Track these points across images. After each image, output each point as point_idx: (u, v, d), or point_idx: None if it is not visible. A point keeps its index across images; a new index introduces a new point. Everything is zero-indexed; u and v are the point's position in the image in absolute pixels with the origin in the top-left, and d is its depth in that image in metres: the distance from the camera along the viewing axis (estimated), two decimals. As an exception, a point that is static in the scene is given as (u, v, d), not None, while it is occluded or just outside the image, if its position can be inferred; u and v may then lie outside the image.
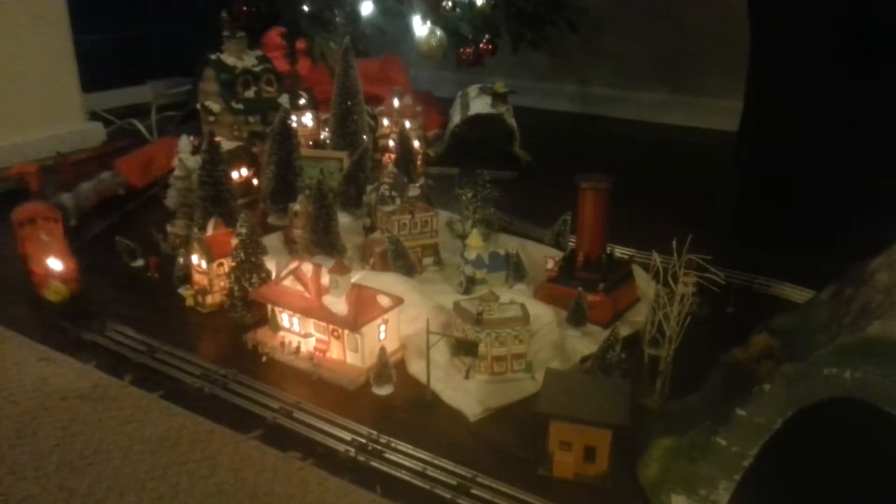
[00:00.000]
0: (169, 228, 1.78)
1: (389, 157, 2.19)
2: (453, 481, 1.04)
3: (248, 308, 1.45)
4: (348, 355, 1.29)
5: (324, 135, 2.30)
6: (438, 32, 2.28)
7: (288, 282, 1.35)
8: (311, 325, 1.32)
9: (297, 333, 1.33)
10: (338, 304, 1.28)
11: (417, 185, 1.72)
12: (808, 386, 0.90)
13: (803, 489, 0.99)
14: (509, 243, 1.66)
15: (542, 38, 2.52)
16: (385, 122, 2.40)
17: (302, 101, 2.29)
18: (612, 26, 3.04)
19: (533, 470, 1.07)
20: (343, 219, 1.76)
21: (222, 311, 1.49)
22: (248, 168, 2.02)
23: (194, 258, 1.52)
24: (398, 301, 1.32)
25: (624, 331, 1.33)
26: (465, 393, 1.24)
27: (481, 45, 2.36)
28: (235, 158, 1.97)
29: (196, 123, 2.19)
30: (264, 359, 1.35)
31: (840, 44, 1.67)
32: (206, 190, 1.63)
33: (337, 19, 2.39)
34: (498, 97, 2.40)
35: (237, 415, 1.19)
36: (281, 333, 1.35)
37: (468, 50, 2.42)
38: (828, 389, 0.88)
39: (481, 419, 1.20)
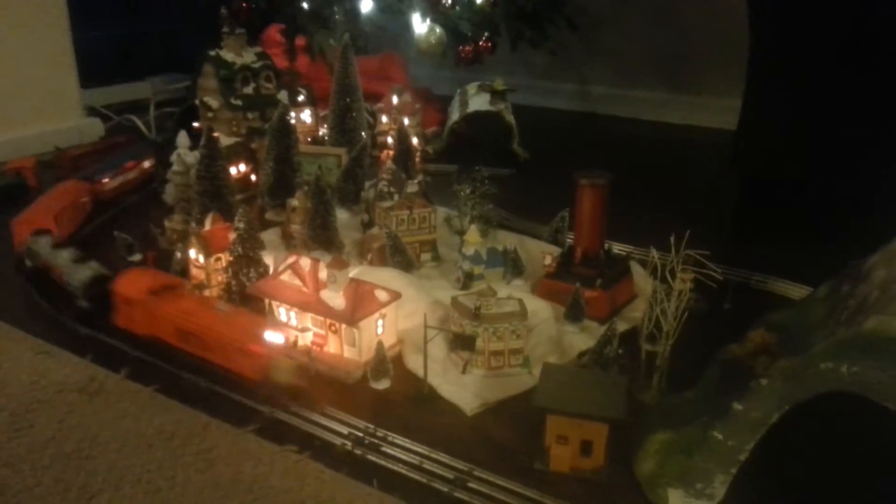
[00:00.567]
0: (167, 223, 1.78)
1: (388, 154, 2.18)
2: (450, 475, 1.04)
3: (246, 303, 1.45)
4: (346, 349, 1.29)
5: (322, 131, 2.30)
6: (438, 30, 2.28)
7: (285, 276, 1.35)
8: (308, 319, 1.32)
9: (294, 328, 1.33)
10: (335, 299, 1.28)
11: (416, 181, 1.72)
12: (804, 380, 0.90)
13: (799, 483, 0.99)
14: (507, 240, 1.66)
15: (542, 37, 2.52)
16: (384, 118, 2.40)
17: (301, 98, 2.29)
18: (611, 25, 3.04)
19: (529, 464, 1.07)
20: (341, 215, 1.76)
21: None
22: (247, 164, 2.02)
23: (192, 253, 1.52)
24: (396, 296, 1.32)
25: (621, 327, 1.33)
26: (462, 387, 1.24)
27: (480, 43, 2.36)
28: (234, 154, 1.96)
29: (195, 119, 2.18)
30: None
31: (840, 44, 1.68)
32: (204, 185, 1.63)
33: (336, 17, 2.39)
34: (497, 94, 2.40)
35: (234, 409, 1.19)
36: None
37: (467, 48, 2.41)
38: (824, 384, 0.88)
39: (478, 413, 1.20)
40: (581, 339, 1.37)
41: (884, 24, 1.63)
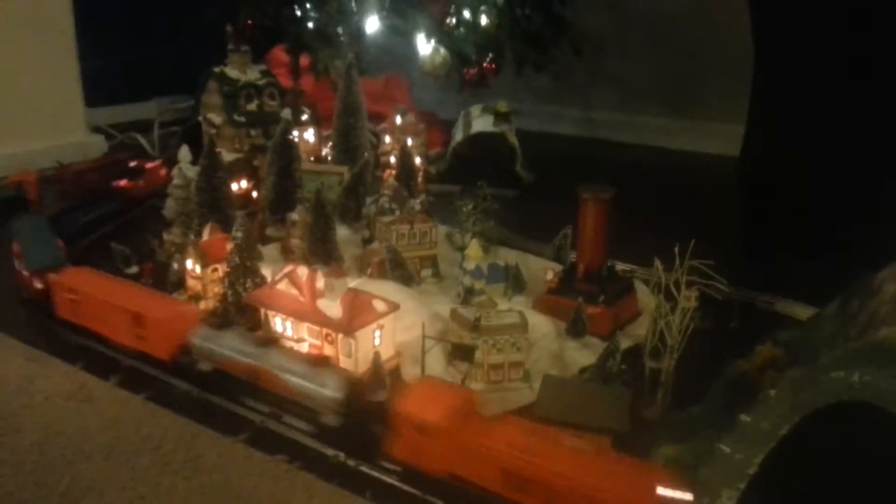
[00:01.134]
0: (165, 236, 1.76)
1: (390, 174, 2.17)
2: (445, 487, 1.00)
3: (242, 313, 1.42)
4: (342, 360, 1.26)
5: (325, 151, 2.29)
6: (442, 51, 2.29)
7: (282, 286, 1.32)
8: (304, 329, 1.29)
9: (290, 338, 1.30)
10: (332, 308, 1.25)
11: (418, 200, 1.70)
12: (815, 390, 0.87)
13: (810, 499, 0.95)
14: (509, 256, 1.64)
15: (546, 60, 2.53)
16: (387, 139, 2.39)
17: (304, 118, 2.29)
18: (615, 50, 3.06)
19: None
20: (342, 231, 1.74)
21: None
22: (248, 180, 2.01)
23: (189, 263, 1.50)
24: (394, 306, 1.29)
25: (624, 343, 1.30)
26: (460, 401, 1.20)
27: (485, 65, 2.36)
28: (235, 171, 1.96)
29: (199, 137, 2.18)
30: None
31: (844, 67, 1.67)
32: (204, 196, 1.61)
33: (342, 38, 2.40)
34: (500, 116, 2.39)
35: (224, 418, 1.16)
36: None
37: (472, 70, 2.42)
38: (835, 393, 0.85)
39: (476, 427, 1.16)
40: (583, 354, 1.34)
41: (886, 49, 1.63)
